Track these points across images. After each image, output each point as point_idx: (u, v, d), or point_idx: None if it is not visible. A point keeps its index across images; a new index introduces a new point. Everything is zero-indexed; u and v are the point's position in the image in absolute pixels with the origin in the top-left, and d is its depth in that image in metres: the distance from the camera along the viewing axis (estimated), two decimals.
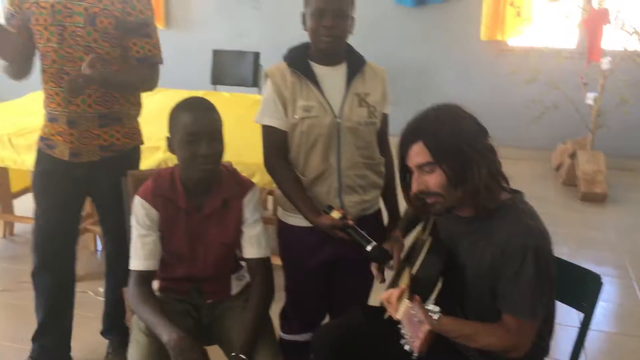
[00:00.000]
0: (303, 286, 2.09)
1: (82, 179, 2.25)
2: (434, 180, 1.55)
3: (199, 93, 4.01)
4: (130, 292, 1.80)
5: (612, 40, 4.63)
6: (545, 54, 5.04)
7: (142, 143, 2.39)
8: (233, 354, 1.71)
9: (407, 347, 1.40)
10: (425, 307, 1.45)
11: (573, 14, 4.80)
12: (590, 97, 4.67)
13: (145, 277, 1.81)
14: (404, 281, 1.64)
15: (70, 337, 2.45)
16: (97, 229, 3.19)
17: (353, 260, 2.01)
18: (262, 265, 1.90)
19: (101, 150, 2.22)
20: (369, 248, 1.78)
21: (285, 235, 2.06)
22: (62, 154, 2.20)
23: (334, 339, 1.77)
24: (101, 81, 2.04)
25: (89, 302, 2.88)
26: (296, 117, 1.88)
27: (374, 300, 2.18)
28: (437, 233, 1.77)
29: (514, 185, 1.65)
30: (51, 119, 2.20)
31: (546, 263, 1.51)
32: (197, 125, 1.74)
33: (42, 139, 2.24)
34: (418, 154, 1.55)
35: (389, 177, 2.07)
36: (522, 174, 4.84)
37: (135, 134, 2.32)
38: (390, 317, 1.70)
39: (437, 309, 1.45)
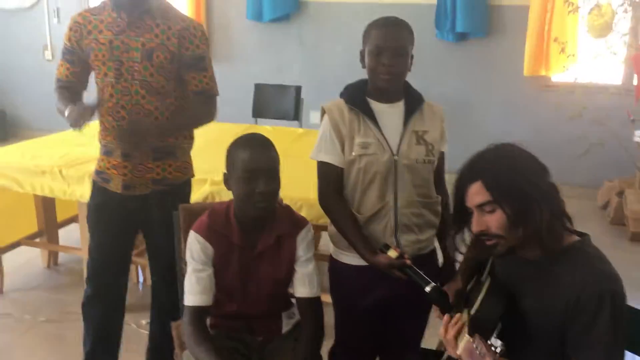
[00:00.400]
0: (354, 326, 2.04)
1: (134, 211, 2.26)
2: (494, 220, 1.50)
3: (241, 127, 4.05)
4: (186, 329, 1.77)
5: None
6: (590, 90, 4.96)
7: (193, 176, 2.39)
8: None
9: None
10: (488, 341, 1.39)
11: (619, 50, 4.73)
12: (638, 135, 4.57)
13: (200, 313, 1.79)
14: (462, 320, 1.58)
15: None
16: (141, 260, 3.22)
17: (406, 300, 1.96)
18: (312, 305, 1.87)
19: (153, 184, 2.23)
20: (427, 289, 1.73)
21: (337, 273, 2.02)
22: (116, 187, 2.22)
23: None
24: (152, 132, 2.12)
25: (131, 334, 2.86)
26: (353, 154, 1.86)
27: (427, 342, 2.12)
28: (496, 274, 1.71)
29: None
30: (106, 151, 2.22)
31: (621, 309, 1.44)
32: (255, 163, 1.73)
33: (97, 172, 2.27)
34: (477, 193, 1.51)
35: (445, 217, 2.02)
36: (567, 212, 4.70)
37: (187, 168, 2.33)
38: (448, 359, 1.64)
39: (499, 342, 1.38)
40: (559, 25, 4.91)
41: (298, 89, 4.74)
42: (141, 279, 3.53)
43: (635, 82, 4.83)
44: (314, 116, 5.71)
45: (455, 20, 5.12)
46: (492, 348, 1.34)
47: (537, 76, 5.15)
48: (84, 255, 3.05)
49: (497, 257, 1.62)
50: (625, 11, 4.51)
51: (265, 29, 5.78)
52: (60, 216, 3.68)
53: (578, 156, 4.86)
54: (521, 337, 1.57)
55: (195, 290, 1.79)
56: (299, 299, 1.87)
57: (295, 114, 4.72)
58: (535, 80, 5.22)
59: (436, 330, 1.98)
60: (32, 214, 3.58)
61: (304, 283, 1.86)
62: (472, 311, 1.56)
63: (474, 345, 1.36)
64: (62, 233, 3.74)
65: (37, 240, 3.63)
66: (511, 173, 1.49)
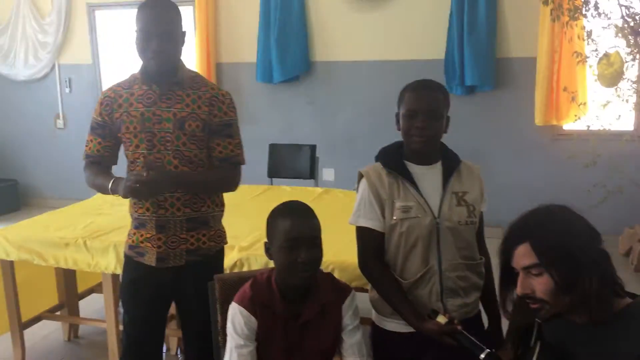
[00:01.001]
0: None
1: (168, 284, 2.22)
2: (541, 284, 1.45)
3: (259, 188, 4.04)
4: None
5: None
6: (603, 138, 4.97)
7: (226, 243, 2.36)
8: None
9: None
10: None
11: (629, 96, 4.75)
12: None
13: None
14: None
15: None
16: (170, 331, 3.17)
17: None
18: None
19: (187, 255, 2.20)
20: (482, 356, 1.67)
21: (381, 341, 1.96)
22: (150, 260, 2.18)
23: None
24: (171, 182, 2.05)
25: None
26: (395, 218, 1.84)
27: None
28: (545, 339, 1.66)
29: None
30: (139, 224, 2.20)
31: None
32: (297, 232, 1.70)
33: (130, 247, 2.23)
34: (524, 255, 1.46)
35: (488, 279, 1.97)
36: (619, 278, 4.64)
37: (220, 237, 2.30)
38: None
39: None
40: (567, 75, 4.97)
41: (313, 148, 4.76)
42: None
43: None
44: (327, 173, 5.72)
45: (464, 74, 5.18)
46: None
47: (549, 125, 5.17)
48: (109, 326, 3.00)
49: (541, 321, 1.56)
50: (634, 59, 4.56)
51: (275, 90, 5.86)
52: (81, 287, 3.63)
53: (596, 204, 4.82)
54: None
55: None
56: None
57: (311, 173, 4.71)
58: (548, 130, 5.24)
59: None
60: (52, 286, 3.52)
61: (354, 353, 1.80)
62: None
63: None
64: (82, 304, 3.67)
65: (58, 313, 3.56)
66: (562, 237, 1.45)
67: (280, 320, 1.77)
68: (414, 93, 1.87)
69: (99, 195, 3.73)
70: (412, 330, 1.84)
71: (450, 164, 1.92)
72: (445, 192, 1.87)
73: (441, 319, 1.74)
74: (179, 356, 3.47)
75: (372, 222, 1.87)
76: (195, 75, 2.21)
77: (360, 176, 1.94)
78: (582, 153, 4.94)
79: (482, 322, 1.99)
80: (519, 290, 1.49)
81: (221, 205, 2.31)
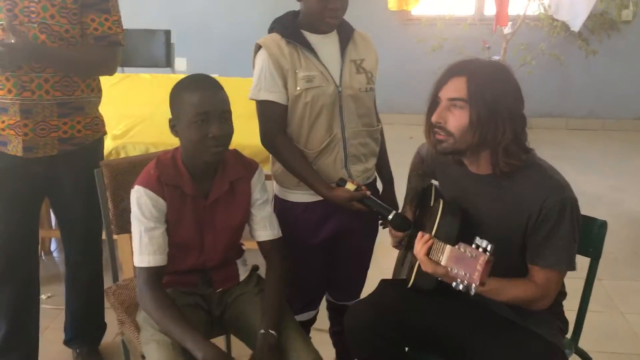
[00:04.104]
0: (305, 265, 2.01)
1: (40, 176, 2.01)
2: (456, 118, 1.54)
3: (114, 77, 3.71)
4: (144, 295, 1.63)
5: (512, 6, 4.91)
6: (448, 22, 5.23)
7: (105, 134, 2.17)
8: (262, 331, 1.62)
9: (460, 287, 1.37)
10: (472, 244, 1.39)
11: None
12: (495, 59, 4.93)
13: (156, 274, 1.66)
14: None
15: (38, 352, 2.21)
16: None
17: (354, 232, 1.98)
18: (277, 246, 1.82)
19: (60, 143, 1.99)
20: (390, 217, 1.76)
21: (285, 213, 1.96)
22: (16, 150, 1.94)
23: (370, 319, 1.71)
24: (35, 53, 1.82)
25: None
26: (298, 88, 1.80)
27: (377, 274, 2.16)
28: (445, 198, 1.78)
29: None
30: (0, 109, 1.92)
31: (579, 214, 1.57)
32: (207, 105, 1.60)
33: None
34: (456, 88, 1.54)
35: (382, 145, 2.05)
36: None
37: (98, 125, 2.11)
38: (414, 285, 1.69)
39: (484, 241, 1.36)
40: None
41: (168, 33, 4.47)
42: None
43: (486, 13, 5.18)
44: (179, 63, 5.42)
45: None
46: (480, 249, 1.36)
47: (401, 11, 5.31)
48: None
49: (441, 153, 1.64)
50: None
51: None
52: None
53: None
54: None
55: (149, 250, 1.64)
56: (262, 243, 1.81)
57: (167, 61, 4.45)
58: (399, 15, 5.39)
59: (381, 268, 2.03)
60: None
61: (265, 226, 1.80)
62: (433, 234, 1.61)
63: (462, 250, 1.39)
64: None
65: None
66: (495, 84, 1.53)
67: (189, 200, 1.69)
68: None
69: None
70: (316, 199, 1.87)
71: (346, 33, 1.89)
72: (344, 61, 1.85)
73: (350, 186, 1.78)
74: (43, 258, 3.27)
75: (274, 95, 1.81)
76: None
77: (258, 47, 1.85)
78: (430, 37, 5.19)
79: (377, 187, 2.07)
80: (434, 117, 1.57)
81: (98, 91, 2.10)
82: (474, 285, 1.34)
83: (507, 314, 1.66)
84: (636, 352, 2.52)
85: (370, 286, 2.17)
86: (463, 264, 1.38)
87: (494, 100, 1.51)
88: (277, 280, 1.76)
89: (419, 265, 1.67)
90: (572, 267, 1.57)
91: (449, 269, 1.42)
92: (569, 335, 1.79)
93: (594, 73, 5.53)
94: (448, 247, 1.45)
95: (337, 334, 2.25)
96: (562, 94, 5.65)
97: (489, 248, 1.35)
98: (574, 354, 1.79)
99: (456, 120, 1.54)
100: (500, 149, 1.54)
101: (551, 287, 1.58)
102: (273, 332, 1.61)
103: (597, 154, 5.08)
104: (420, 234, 1.57)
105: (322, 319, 2.23)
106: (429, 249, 1.52)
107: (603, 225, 1.77)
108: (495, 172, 1.59)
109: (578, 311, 1.82)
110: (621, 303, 2.83)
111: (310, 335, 2.14)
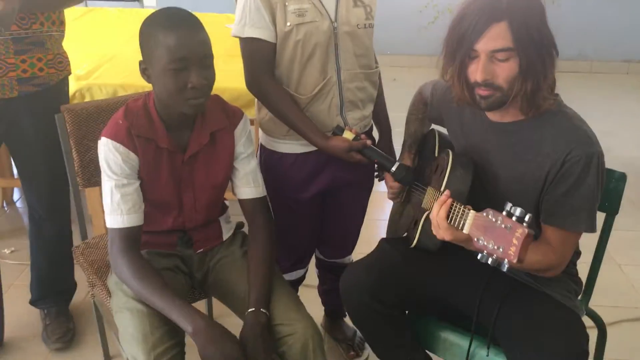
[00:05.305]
0: (294, 221, 1.84)
1: None
2: (504, 70, 1.32)
3: (76, 10, 3.39)
4: (118, 260, 1.44)
5: None
6: None
7: (70, 73, 1.93)
8: (251, 309, 1.45)
9: (489, 261, 1.17)
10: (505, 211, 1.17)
11: None
12: None
13: (132, 236, 1.46)
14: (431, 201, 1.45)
15: (2, 312, 2.04)
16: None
17: (350, 185, 1.81)
18: (261, 205, 1.63)
19: (20, 84, 1.75)
20: (394, 169, 1.58)
21: (272, 165, 1.77)
22: None
23: (368, 282, 1.55)
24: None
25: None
26: (288, 24, 1.57)
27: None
28: (451, 145, 1.60)
29: None
30: None
31: (604, 171, 1.40)
32: (185, 50, 1.35)
33: None
34: (498, 36, 1.29)
35: (380, 89, 1.84)
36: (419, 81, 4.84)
37: (62, 63, 1.88)
38: (418, 244, 1.53)
39: (518, 209, 1.13)
40: None
41: None
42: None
43: None
44: None
45: None
46: (514, 218, 1.14)
47: None
48: None
49: (485, 109, 1.42)
50: None
51: None
52: None
53: (426, 25, 4.89)
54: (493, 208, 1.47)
55: (122, 209, 1.44)
56: (244, 201, 1.61)
57: None
58: None
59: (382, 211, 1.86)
60: None
61: (249, 182, 1.60)
62: (441, 189, 1.43)
63: (491, 218, 1.18)
64: None
65: None
66: (537, 18, 1.32)
67: (164, 154, 1.48)
68: None
69: None
70: (309, 149, 1.68)
71: None
72: None
73: (348, 135, 1.59)
74: (6, 208, 3.04)
75: (260, 31, 1.58)
76: None
77: None
78: None
79: (374, 136, 1.88)
80: (480, 76, 1.33)
81: (60, 23, 1.86)
82: (507, 260, 1.15)
83: (517, 275, 1.52)
84: (633, 305, 2.44)
85: (360, 241, 2.03)
86: (494, 235, 1.17)
87: (540, 36, 1.31)
88: (263, 247, 1.56)
89: (424, 223, 1.51)
90: (593, 228, 1.41)
91: (475, 239, 1.21)
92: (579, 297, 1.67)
93: (586, 12, 5.33)
94: (472, 213, 1.24)
95: (326, 293, 2.10)
96: (553, 33, 5.45)
97: (526, 218, 1.13)
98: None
99: (505, 72, 1.32)
100: (546, 87, 1.35)
101: (567, 250, 1.42)
102: (264, 310, 1.45)
103: (585, 97, 4.93)
104: (431, 191, 1.38)
105: (311, 275, 2.08)
106: (448, 209, 1.32)
107: (621, 177, 1.62)
108: (528, 117, 1.40)
109: (590, 271, 1.69)
110: (617, 254, 2.73)
111: (299, 293, 1.99)
